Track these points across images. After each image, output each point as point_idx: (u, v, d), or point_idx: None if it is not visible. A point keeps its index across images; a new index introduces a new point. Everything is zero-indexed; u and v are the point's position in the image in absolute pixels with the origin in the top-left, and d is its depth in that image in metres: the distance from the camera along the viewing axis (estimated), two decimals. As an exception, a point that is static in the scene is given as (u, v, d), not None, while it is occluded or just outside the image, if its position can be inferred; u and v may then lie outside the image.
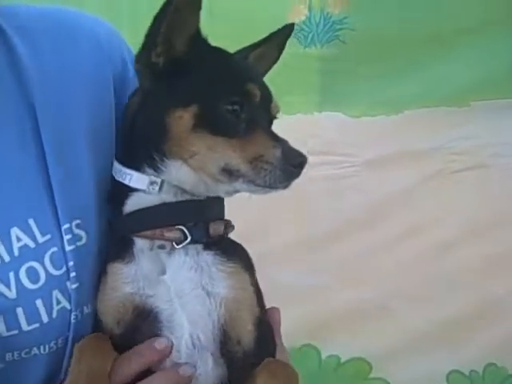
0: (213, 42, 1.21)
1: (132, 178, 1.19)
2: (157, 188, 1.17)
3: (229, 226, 1.24)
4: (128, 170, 1.20)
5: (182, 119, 1.13)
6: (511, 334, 2.57)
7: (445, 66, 2.51)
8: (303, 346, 2.55)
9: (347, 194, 2.55)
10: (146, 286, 1.16)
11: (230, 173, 1.11)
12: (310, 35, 2.46)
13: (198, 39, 1.18)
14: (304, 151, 2.48)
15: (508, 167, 2.57)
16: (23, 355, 1.16)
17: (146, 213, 1.18)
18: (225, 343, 1.16)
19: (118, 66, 1.34)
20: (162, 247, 1.17)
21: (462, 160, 2.55)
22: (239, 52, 1.31)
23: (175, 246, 1.16)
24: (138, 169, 1.19)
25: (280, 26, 2.27)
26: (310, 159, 2.48)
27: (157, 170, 1.17)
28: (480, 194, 2.55)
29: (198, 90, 1.15)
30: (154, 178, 1.17)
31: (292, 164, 1.08)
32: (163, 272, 1.17)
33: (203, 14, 1.13)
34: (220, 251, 1.18)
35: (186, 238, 1.16)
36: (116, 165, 1.23)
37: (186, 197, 1.19)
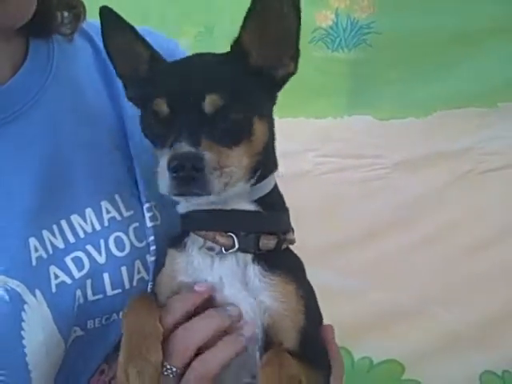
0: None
1: None
2: None
3: (283, 242, 1.24)
4: None
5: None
6: (545, 334, 2.56)
7: (473, 67, 2.52)
8: (335, 349, 2.56)
9: (378, 196, 2.57)
10: (198, 281, 1.21)
11: None
12: (338, 40, 2.49)
13: (154, 61, 1.26)
14: (334, 154, 2.54)
15: (537, 166, 2.57)
16: (103, 322, 1.26)
17: (200, 215, 1.23)
18: (268, 343, 1.18)
19: None
20: (210, 249, 1.21)
21: (492, 160, 2.55)
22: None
23: (223, 251, 1.20)
24: None
25: (308, 33, 2.30)
26: (341, 162, 2.54)
27: None
28: (509, 193, 2.55)
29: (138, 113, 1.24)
30: None
31: (171, 169, 1.07)
32: (211, 273, 1.21)
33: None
34: (267, 264, 1.20)
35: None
36: None
37: (241, 206, 1.22)
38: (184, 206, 1.25)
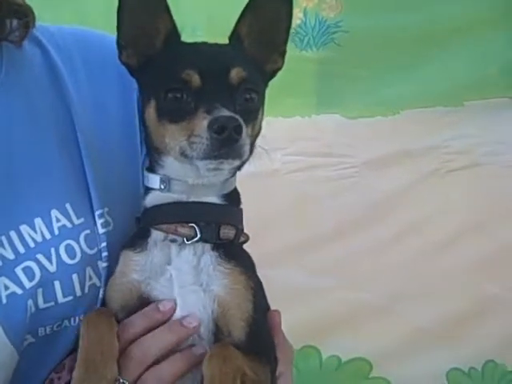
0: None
1: (148, 179, 1.29)
2: (167, 186, 1.25)
3: (241, 233, 1.28)
4: (146, 173, 1.31)
5: (150, 114, 1.23)
6: (509, 331, 2.60)
7: (439, 66, 2.56)
8: (304, 347, 2.56)
9: (346, 194, 2.57)
10: (152, 276, 1.23)
11: (184, 155, 1.16)
12: (306, 38, 2.50)
13: (173, 37, 1.26)
14: (303, 153, 2.54)
15: (502, 165, 2.62)
16: (55, 328, 1.25)
17: (163, 209, 1.26)
18: (217, 335, 1.21)
19: None
20: (173, 241, 1.24)
21: (458, 159, 2.59)
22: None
23: (185, 241, 1.22)
24: (153, 171, 1.28)
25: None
26: (309, 161, 2.53)
27: (159, 168, 1.26)
28: (476, 191, 2.59)
29: (154, 84, 1.23)
30: (163, 177, 1.25)
31: (215, 131, 1.09)
32: (169, 265, 1.23)
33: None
34: (223, 253, 1.23)
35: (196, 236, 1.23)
36: (144, 171, 1.33)
37: (205, 198, 1.25)
38: (153, 198, 1.27)
